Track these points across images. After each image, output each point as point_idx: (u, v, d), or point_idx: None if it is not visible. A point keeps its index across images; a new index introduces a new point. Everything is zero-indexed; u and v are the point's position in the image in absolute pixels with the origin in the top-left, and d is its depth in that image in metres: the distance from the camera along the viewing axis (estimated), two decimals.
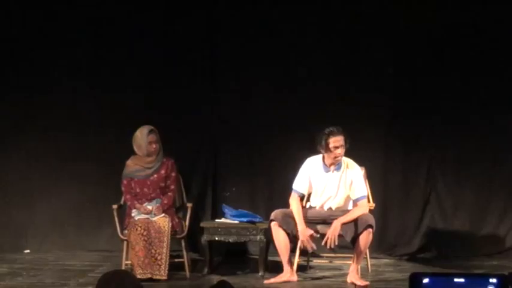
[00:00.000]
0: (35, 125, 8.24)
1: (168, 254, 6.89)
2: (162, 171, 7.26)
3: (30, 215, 8.28)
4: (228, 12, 8.16)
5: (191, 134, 8.16)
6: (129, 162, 7.29)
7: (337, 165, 6.95)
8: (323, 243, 6.80)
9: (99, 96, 8.20)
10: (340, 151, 6.85)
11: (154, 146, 7.19)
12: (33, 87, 8.26)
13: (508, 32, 7.92)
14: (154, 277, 6.80)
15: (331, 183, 6.99)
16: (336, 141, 6.82)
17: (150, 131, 7.19)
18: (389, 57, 8.05)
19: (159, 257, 6.86)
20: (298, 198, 7.03)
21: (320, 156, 7.00)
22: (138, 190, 7.22)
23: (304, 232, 6.81)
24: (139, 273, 6.76)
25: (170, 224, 6.99)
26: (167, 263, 6.87)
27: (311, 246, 6.84)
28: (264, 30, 8.09)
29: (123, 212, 7.27)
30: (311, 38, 8.06)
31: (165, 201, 7.19)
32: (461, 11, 7.91)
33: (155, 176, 7.24)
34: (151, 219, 7.00)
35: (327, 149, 6.86)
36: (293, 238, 6.96)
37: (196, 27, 8.18)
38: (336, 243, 6.83)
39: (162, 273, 6.84)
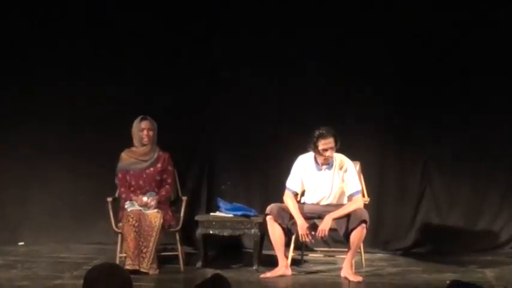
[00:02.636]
0: (30, 119, 8.23)
1: (153, 249, 6.88)
2: (159, 165, 7.26)
3: (25, 207, 8.28)
4: (227, 11, 8.14)
5: (187, 127, 8.15)
6: (123, 155, 7.29)
7: (328, 163, 6.97)
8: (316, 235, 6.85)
9: (96, 90, 8.18)
10: (330, 153, 6.88)
11: (146, 133, 7.19)
12: (29, 81, 8.24)
13: (505, 31, 7.92)
14: (141, 269, 6.81)
15: (324, 182, 7.01)
16: (325, 143, 6.84)
17: (143, 118, 7.20)
18: (387, 55, 8.04)
19: (144, 250, 6.87)
20: (293, 196, 7.05)
21: (312, 154, 7.01)
22: (133, 183, 7.22)
23: (303, 225, 6.83)
24: (128, 264, 6.77)
25: (161, 220, 6.98)
26: (151, 257, 6.86)
27: (310, 239, 6.87)
28: (263, 29, 8.07)
29: (118, 205, 7.27)
30: (310, 36, 8.04)
31: (163, 193, 7.20)
32: (459, 10, 7.90)
33: (151, 169, 7.24)
34: (144, 211, 7.00)
35: (317, 151, 6.89)
36: (288, 232, 6.98)
37: (195, 24, 8.17)
38: (325, 237, 6.92)
39: (144, 266, 6.84)
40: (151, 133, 7.21)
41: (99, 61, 8.17)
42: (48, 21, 8.21)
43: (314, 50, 8.04)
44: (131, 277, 3.07)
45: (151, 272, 6.84)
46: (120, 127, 7.58)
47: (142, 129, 7.20)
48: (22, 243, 8.25)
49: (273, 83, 8.13)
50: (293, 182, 7.07)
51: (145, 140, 7.22)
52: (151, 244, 6.88)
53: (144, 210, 7.03)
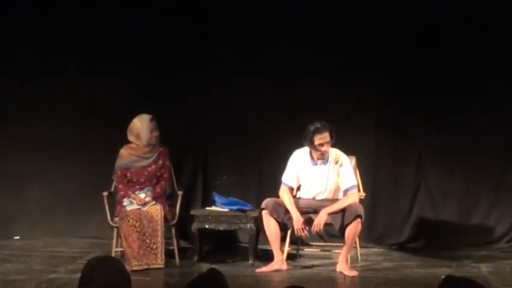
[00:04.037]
0: (25, 113, 8.20)
1: (163, 242, 6.89)
2: (160, 162, 7.24)
3: (20, 201, 8.26)
4: (227, 10, 8.12)
5: (183, 122, 8.14)
6: (123, 152, 7.23)
7: (324, 158, 6.97)
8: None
9: (91, 84, 8.17)
10: (326, 148, 6.87)
11: (155, 134, 7.17)
12: (23, 74, 8.22)
13: (499, 26, 7.93)
14: (152, 266, 6.79)
15: (320, 177, 7.01)
16: (321, 138, 6.83)
17: (152, 119, 7.15)
18: (382, 51, 8.03)
19: (154, 246, 6.85)
20: (288, 190, 7.04)
21: (307, 149, 7.01)
22: (134, 180, 7.18)
23: (298, 220, 6.83)
24: (135, 265, 6.74)
25: (163, 212, 6.97)
26: (163, 251, 6.88)
27: (305, 234, 6.88)
28: (261, 28, 8.06)
29: (114, 199, 7.26)
30: (304, 32, 8.04)
31: (158, 190, 7.18)
32: (457, 5, 7.90)
33: (153, 166, 7.21)
34: (142, 209, 6.99)
35: (313, 146, 6.88)
36: (283, 227, 6.98)
37: (191, 19, 8.15)
38: (320, 232, 6.93)
39: (159, 262, 6.84)
40: (158, 134, 7.20)
41: (92, 50, 8.14)
42: (47, 19, 8.18)
43: (312, 48, 8.03)
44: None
45: (163, 266, 6.84)
46: (116, 122, 7.57)
47: (152, 131, 7.16)
48: (17, 237, 8.24)
49: (270, 79, 8.12)
50: (288, 177, 7.06)
51: (154, 141, 7.19)
52: (159, 239, 6.87)
53: (142, 207, 7.01)
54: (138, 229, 6.85)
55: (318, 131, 6.82)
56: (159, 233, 6.88)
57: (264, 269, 6.95)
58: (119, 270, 3.06)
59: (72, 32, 8.18)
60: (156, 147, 7.24)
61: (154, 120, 7.18)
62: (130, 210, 6.97)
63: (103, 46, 8.15)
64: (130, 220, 6.87)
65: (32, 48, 8.22)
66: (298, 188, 7.19)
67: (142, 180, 7.18)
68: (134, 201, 7.06)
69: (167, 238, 7.20)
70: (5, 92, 8.22)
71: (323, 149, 6.87)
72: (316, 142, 6.84)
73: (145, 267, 6.79)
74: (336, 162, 6.98)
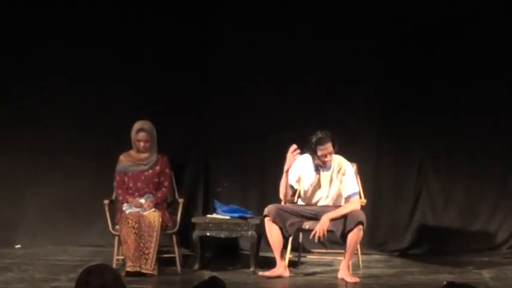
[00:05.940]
0: (25, 119, 8.21)
1: (156, 249, 6.89)
2: (157, 167, 7.27)
3: (21, 209, 8.25)
4: (222, 10, 8.14)
5: (183, 128, 8.14)
6: (121, 157, 7.32)
7: (327, 165, 6.97)
8: (311, 237, 6.83)
9: (91, 90, 8.16)
10: (329, 158, 6.88)
11: (142, 144, 7.22)
12: (22, 81, 8.22)
13: (499, 28, 7.94)
14: (142, 270, 6.81)
15: (322, 183, 7.00)
16: (324, 149, 6.84)
17: (140, 130, 7.20)
18: (383, 56, 8.04)
19: (146, 251, 6.87)
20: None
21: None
22: (131, 185, 7.22)
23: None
24: (129, 266, 6.78)
25: (160, 219, 6.99)
26: (154, 258, 6.87)
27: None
28: (258, 30, 8.07)
29: (115, 207, 7.27)
30: (304, 36, 8.05)
31: (159, 195, 7.22)
32: (455, 7, 7.91)
33: (150, 171, 7.26)
34: (142, 213, 7.01)
35: (317, 157, 6.89)
36: (285, 234, 6.97)
37: (190, 24, 8.16)
38: (323, 238, 6.91)
39: (148, 267, 6.84)
40: (147, 144, 7.24)
41: (92, 56, 8.15)
42: (46, 20, 8.18)
43: (312, 51, 8.04)
44: (130, 279, 3.10)
45: (154, 273, 6.85)
46: (117, 129, 7.59)
47: (139, 141, 7.23)
48: (19, 245, 8.23)
49: (270, 85, 8.13)
50: (291, 173, 7.02)
51: (142, 150, 7.27)
52: (153, 245, 6.89)
53: (142, 211, 7.03)
54: (136, 231, 6.89)
55: (320, 142, 6.83)
56: (154, 239, 6.90)
57: (267, 273, 6.95)
58: (115, 278, 3.08)
59: (74, 38, 8.17)
60: (151, 155, 7.27)
61: (145, 131, 7.21)
62: (129, 212, 7.01)
63: (104, 54, 8.15)
64: (130, 222, 6.91)
65: (35, 53, 8.20)
66: (299, 195, 7.18)
67: (139, 185, 7.21)
68: (132, 205, 7.08)
69: (168, 246, 7.21)
70: (5, 100, 8.22)
71: (327, 159, 6.89)
72: (319, 153, 6.86)
73: (138, 269, 6.80)
74: (339, 169, 6.98)
